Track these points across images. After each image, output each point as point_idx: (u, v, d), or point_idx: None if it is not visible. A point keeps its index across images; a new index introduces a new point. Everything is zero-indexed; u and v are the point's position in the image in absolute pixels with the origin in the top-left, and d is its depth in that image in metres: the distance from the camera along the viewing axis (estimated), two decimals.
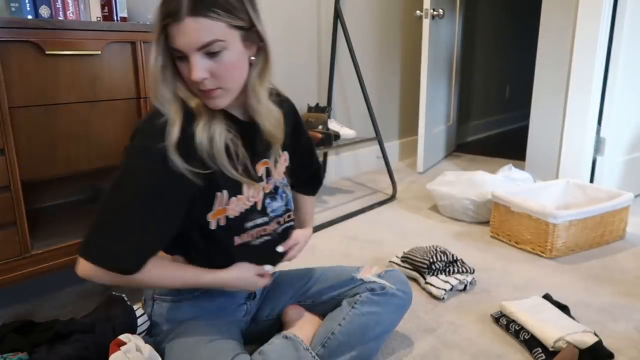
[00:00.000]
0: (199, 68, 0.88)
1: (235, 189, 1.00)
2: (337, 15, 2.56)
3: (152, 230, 0.92)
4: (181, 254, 1.05)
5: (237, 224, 1.03)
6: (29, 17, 1.30)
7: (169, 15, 0.86)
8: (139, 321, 1.10)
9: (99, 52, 1.33)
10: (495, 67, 4.25)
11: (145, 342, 1.00)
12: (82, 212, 1.58)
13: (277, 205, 1.11)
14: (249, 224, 1.05)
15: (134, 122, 1.44)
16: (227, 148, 0.96)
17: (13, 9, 1.29)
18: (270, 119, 1.01)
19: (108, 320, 1.08)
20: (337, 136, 2.36)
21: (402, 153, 3.36)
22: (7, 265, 1.22)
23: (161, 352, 1.03)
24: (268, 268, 1.11)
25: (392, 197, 2.51)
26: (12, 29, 1.17)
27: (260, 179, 1.05)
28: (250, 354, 1.02)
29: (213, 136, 0.93)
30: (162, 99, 0.92)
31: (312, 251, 1.84)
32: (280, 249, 1.13)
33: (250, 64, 0.95)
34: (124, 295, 1.20)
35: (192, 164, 0.91)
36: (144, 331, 1.11)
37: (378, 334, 1.14)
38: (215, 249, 1.03)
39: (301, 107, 2.54)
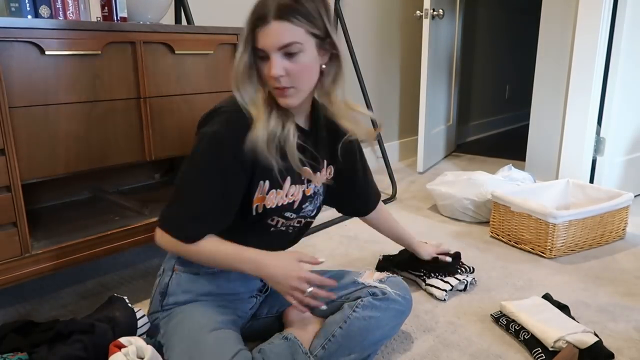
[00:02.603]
0: (278, 65, 0.98)
1: (275, 183, 1.08)
2: (337, 15, 2.56)
3: (212, 208, 1.03)
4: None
5: (272, 214, 1.12)
6: (29, 17, 1.30)
7: (258, 19, 0.98)
8: (140, 322, 1.10)
9: (99, 52, 1.33)
10: (495, 67, 4.25)
11: (147, 344, 1.00)
12: (82, 212, 1.57)
13: (310, 207, 1.20)
14: (282, 219, 1.14)
15: (134, 123, 1.44)
16: (282, 148, 1.04)
17: (13, 9, 1.28)
18: (348, 117, 1.13)
19: (108, 321, 1.08)
20: None
21: (402, 153, 3.36)
22: (7, 265, 1.22)
23: (157, 347, 1.03)
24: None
25: (392, 197, 2.51)
26: (12, 29, 1.17)
27: (303, 182, 1.15)
28: (251, 349, 1.02)
29: (288, 133, 1.03)
30: (245, 94, 1.02)
31: (312, 251, 1.84)
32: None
33: (322, 72, 1.06)
34: (125, 297, 1.20)
35: (257, 155, 1.02)
36: (144, 333, 1.11)
37: (377, 339, 1.15)
38: (248, 229, 1.12)
39: None
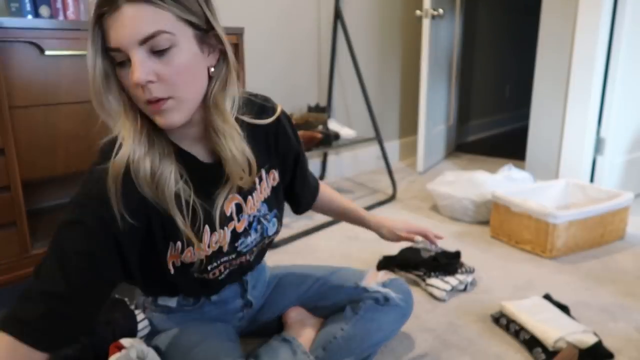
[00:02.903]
0: (142, 67, 0.71)
1: (190, 241, 0.85)
2: (337, 15, 2.56)
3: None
4: (167, 294, 1.03)
5: (195, 268, 0.91)
6: (29, 17, 1.30)
7: (104, 4, 0.71)
8: (140, 325, 1.10)
9: None
10: (495, 67, 4.25)
11: (147, 346, 1.00)
12: None
13: (250, 240, 0.98)
14: (211, 266, 0.93)
15: None
16: (177, 196, 0.81)
17: (13, 9, 1.29)
18: (236, 144, 0.84)
19: (108, 323, 1.08)
20: (337, 136, 2.35)
21: (402, 153, 3.36)
22: (7, 265, 1.22)
23: (158, 350, 1.03)
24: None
25: (392, 197, 2.51)
26: (12, 29, 1.17)
27: (230, 219, 0.92)
28: (249, 352, 1.02)
29: (160, 179, 0.78)
30: (110, 111, 0.77)
31: (312, 251, 1.84)
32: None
33: (210, 77, 0.81)
34: (126, 298, 1.19)
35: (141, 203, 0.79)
36: (144, 335, 1.11)
37: (377, 341, 1.14)
38: (188, 282, 0.95)
39: (301, 107, 2.55)
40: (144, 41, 0.71)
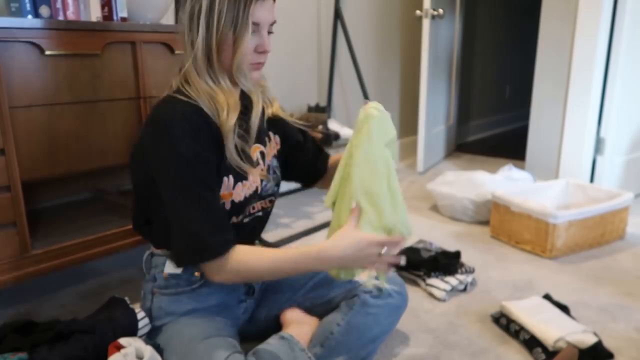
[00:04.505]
0: (271, 42, 1.02)
1: (240, 175, 1.04)
2: (337, 15, 2.56)
3: (216, 215, 0.99)
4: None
5: (240, 207, 1.07)
6: (29, 17, 1.30)
7: None
8: (140, 324, 1.10)
9: (99, 52, 1.33)
10: (495, 67, 4.25)
11: (146, 345, 1.00)
12: (82, 212, 1.58)
13: (269, 185, 1.15)
14: (248, 207, 1.10)
15: (134, 123, 1.44)
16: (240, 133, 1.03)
17: (13, 9, 1.28)
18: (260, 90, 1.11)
19: (109, 322, 1.08)
20: (337, 136, 2.35)
21: (402, 153, 3.36)
22: (7, 265, 1.22)
23: (157, 348, 1.03)
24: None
25: None
26: (12, 29, 1.17)
27: (256, 163, 1.10)
28: (246, 352, 1.02)
29: (231, 128, 0.99)
30: (243, 78, 1.02)
31: None
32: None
33: None
34: (126, 297, 1.20)
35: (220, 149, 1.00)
36: (144, 334, 1.11)
37: (376, 336, 1.15)
38: None
39: (301, 107, 2.55)
40: (272, 24, 1.02)
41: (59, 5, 1.35)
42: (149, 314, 1.11)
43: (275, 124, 1.19)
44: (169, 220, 0.98)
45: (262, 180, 1.11)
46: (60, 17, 1.35)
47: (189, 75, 1.01)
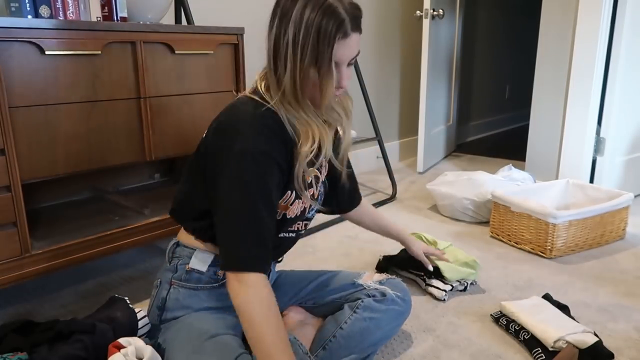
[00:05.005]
0: (349, 76, 1.00)
1: (298, 194, 1.05)
2: None
3: (267, 228, 0.97)
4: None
5: (288, 224, 1.09)
6: (29, 17, 1.30)
7: (338, 31, 0.93)
8: (140, 323, 1.10)
9: (99, 52, 1.33)
10: (495, 67, 4.25)
11: (147, 344, 1.00)
12: (82, 212, 1.58)
13: (315, 208, 1.16)
14: (294, 225, 1.13)
15: (134, 123, 1.44)
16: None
17: (13, 9, 1.28)
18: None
19: (109, 322, 1.08)
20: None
21: (402, 153, 3.36)
22: (7, 265, 1.22)
23: (157, 348, 1.03)
24: None
25: (392, 197, 2.51)
26: (12, 29, 1.17)
27: (309, 186, 1.10)
28: (251, 353, 1.02)
29: (306, 153, 0.99)
30: (332, 113, 1.04)
31: (312, 251, 1.84)
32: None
33: None
34: (126, 297, 1.20)
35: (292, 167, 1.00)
36: (145, 333, 1.11)
37: (377, 340, 1.15)
38: None
39: None
40: (354, 58, 0.99)
41: (59, 5, 1.35)
42: (163, 303, 1.09)
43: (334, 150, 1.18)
44: (219, 217, 0.97)
45: (312, 204, 1.13)
46: (60, 17, 1.35)
47: (272, 89, 0.99)
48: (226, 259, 0.95)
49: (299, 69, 0.94)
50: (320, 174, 1.14)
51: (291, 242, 1.19)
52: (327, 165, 1.18)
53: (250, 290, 0.92)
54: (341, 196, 1.30)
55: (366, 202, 1.43)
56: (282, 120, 0.98)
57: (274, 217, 1.00)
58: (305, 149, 0.98)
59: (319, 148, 1.02)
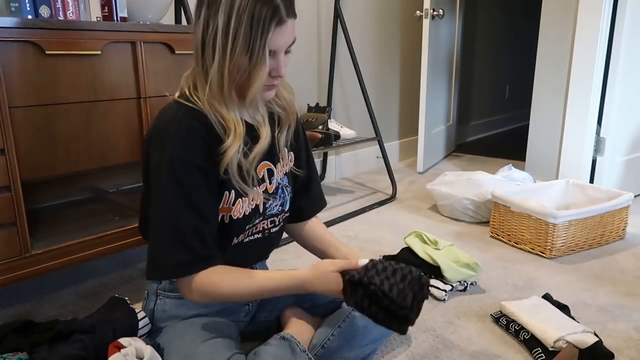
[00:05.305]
0: (287, 64, 0.96)
1: (239, 191, 1.01)
2: (337, 15, 2.57)
3: (200, 226, 0.95)
4: None
5: (239, 225, 1.04)
6: (29, 17, 1.30)
7: (273, 19, 0.89)
8: (141, 323, 1.10)
9: (99, 52, 1.33)
10: (495, 67, 4.25)
11: (147, 344, 1.00)
12: (82, 212, 1.57)
13: (275, 204, 1.12)
14: (249, 225, 1.08)
15: (134, 123, 1.44)
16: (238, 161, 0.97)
17: (13, 9, 1.28)
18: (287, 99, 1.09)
19: (109, 322, 1.08)
20: (337, 136, 2.36)
21: (402, 153, 3.36)
22: (7, 265, 1.22)
23: (157, 348, 1.03)
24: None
25: (392, 197, 2.51)
26: (12, 29, 1.17)
27: (261, 181, 1.06)
28: (247, 353, 1.02)
29: (234, 153, 0.95)
30: (256, 105, 0.99)
31: None
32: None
33: None
34: (126, 297, 1.20)
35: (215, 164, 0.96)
36: (145, 334, 1.11)
37: (376, 337, 1.15)
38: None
39: (301, 107, 2.54)
40: (290, 45, 0.96)
41: (59, 5, 1.35)
42: (152, 315, 1.10)
43: (295, 140, 1.16)
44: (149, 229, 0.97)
45: (265, 197, 1.08)
46: (60, 17, 1.35)
47: (199, 87, 0.96)
48: (148, 267, 0.97)
49: (229, 59, 0.90)
50: (276, 166, 1.09)
51: (264, 245, 1.15)
52: (290, 155, 1.14)
53: (195, 293, 0.96)
54: (298, 200, 1.21)
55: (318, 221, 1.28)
56: (207, 119, 0.95)
57: (208, 222, 0.96)
58: (229, 147, 0.94)
59: (254, 142, 0.99)
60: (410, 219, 2.22)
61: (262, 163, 1.05)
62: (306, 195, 1.23)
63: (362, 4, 2.85)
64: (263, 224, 1.11)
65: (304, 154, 1.21)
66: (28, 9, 1.30)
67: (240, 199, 1.02)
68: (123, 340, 0.99)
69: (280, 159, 1.11)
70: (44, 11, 1.33)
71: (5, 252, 1.21)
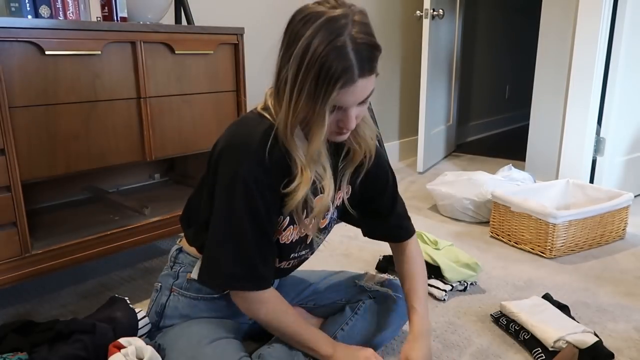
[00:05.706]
0: (354, 117, 0.91)
1: (293, 219, 1.00)
2: None
3: (266, 248, 0.97)
4: None
5: (284, 251, 1.04)
6: (29, 17, 1.30)
7: (340, 79, 0.84)
8: (140, 323, 1.10)
9: (99, 52, 1.33)
10: (495, 67, 4.25)
11: (147, 344, 1.00)
12: (82, 212, 1.58)
13: (322, 237, 1.11)
14: (293, 254, 1.07)
15: (134, 123, 1.44)
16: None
17: (13, 9, 1.28)
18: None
19: (109, 322, 1.08)
20: None
21: (402, 153, 3.36)
22: (7, 265, 1.22)
23: (158, 348, 1.03)
24: None
25: None
26: (12, 29, 1.17)
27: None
28: (250, 353, 1.02)
29: (325, 182, 0.95)
30: (317, 157, 0.93)
31: None
32: None
33: None
34: (126, 297, 1.20)
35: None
36: (145, 333, 1.11)
37: (379, 341, 1.15)
38: None
39: None
40: (364, 101, 0.92)
41: (59, 5, 1.35)
42: (162, 309, 1.09)
43: (362, 178, 1.08)
44: (209, 231, 0.96)
45: (318, 230, 1.08)
46: (60, 17, 1.35)
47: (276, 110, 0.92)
48: (203, 270, 0.99)
49: (292, 111, 0.87)
50: (332, 203, 1.06)
51: (295, 267, 1.15)
52: (348, 188, 1.09)
53: (253, 303, 0.99)
54: (375, 224, 1.18)
55: (414, 248, 1.20)
56: (285, 145, 0.92)
57: (270, 243, 0.98)
58: (298, 191, 0.92)
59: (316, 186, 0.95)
60: (411, 219, 2.21)
61: (319, 196, 1.00)
62: (394, 218, 1.18)
63: (362, 4, 2.84)
64: (307, 253, 1.11)
65: (390, 190, 1.15)
66: (28, 9, 1.30)
67: (292, 226, 1.01)
68: (123, 340, 0.99)
69: (337, 193, 1.06)
70: (44, 11, 1.33)
71: (5, 252, 1.21)
